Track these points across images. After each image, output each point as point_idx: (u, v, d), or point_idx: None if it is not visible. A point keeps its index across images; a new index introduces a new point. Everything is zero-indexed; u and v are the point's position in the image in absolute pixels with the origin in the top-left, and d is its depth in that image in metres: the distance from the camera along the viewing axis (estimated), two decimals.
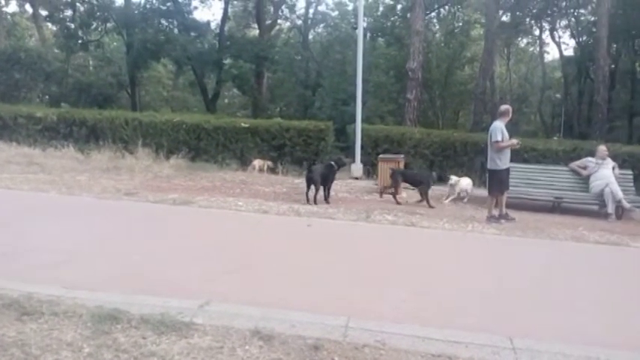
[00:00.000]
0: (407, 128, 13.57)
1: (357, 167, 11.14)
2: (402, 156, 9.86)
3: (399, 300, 3.76)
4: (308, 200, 7.91)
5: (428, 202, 8.35)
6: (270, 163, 11.77)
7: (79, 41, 24.12)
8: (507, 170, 7.50)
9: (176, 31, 23.33)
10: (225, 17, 25.81)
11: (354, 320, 3.22)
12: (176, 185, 9.50)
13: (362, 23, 12.40)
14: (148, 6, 24.01)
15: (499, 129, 7.22)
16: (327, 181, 8.21)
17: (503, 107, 7.68)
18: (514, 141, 7.44)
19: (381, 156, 9.78)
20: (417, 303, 3.73)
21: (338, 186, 9.85)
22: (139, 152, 12.02)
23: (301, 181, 10.42)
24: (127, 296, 3.47)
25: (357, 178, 10.94)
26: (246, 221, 6.60)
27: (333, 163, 8.35)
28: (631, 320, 3.63)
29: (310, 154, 11.94)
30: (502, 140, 7.22)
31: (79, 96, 22.24)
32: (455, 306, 3.70)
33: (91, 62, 26.18)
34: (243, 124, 12.82)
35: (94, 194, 7.79)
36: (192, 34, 23.63)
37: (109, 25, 25.30)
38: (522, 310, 3.69)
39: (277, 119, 14.27)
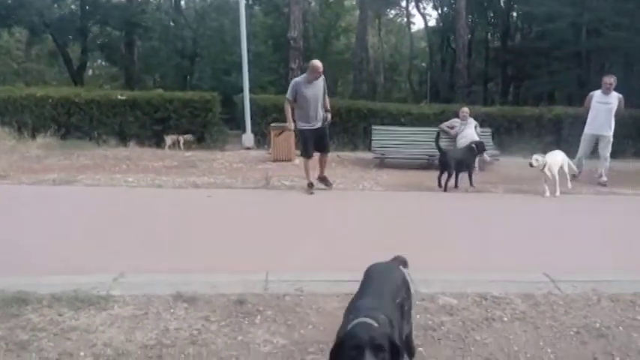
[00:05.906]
0: None
1: (249, 137, 11.17)
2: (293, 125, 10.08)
3: (311, 253, 4.06)
4: (440, 185, 7.10)
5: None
6: (188, 136, 11.22)
7: None
8: (307, 131, 6.66)
9: None
10: None
11: (272, 274, 3.44)
12: (50, 165, 8.68)
13: None
14: None
15: (292, 85, 6.51)
16: (464, 166, 7.29)
17: (311, 62, 6.62)
18: (290, 126, 6.77)
19: (272, 125, 9.88)
20: (325, 254, 4.06)
21: (232, 157, 9.84)
22: None
23: (191, 154, 10.20)
24: (31, 278, 3.26)
25: (248, 148, 10.99)
26: (141, 196, 6.37)
27: (474, 145, 7.58)
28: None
29: (198, 126, 11.65)
30: (293, 99, 6.45)
31: None
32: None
33: None
34: (119, 97, 11.95)
35: None
36: None
37: None
38: None
39: (158, 90, 13.55)
